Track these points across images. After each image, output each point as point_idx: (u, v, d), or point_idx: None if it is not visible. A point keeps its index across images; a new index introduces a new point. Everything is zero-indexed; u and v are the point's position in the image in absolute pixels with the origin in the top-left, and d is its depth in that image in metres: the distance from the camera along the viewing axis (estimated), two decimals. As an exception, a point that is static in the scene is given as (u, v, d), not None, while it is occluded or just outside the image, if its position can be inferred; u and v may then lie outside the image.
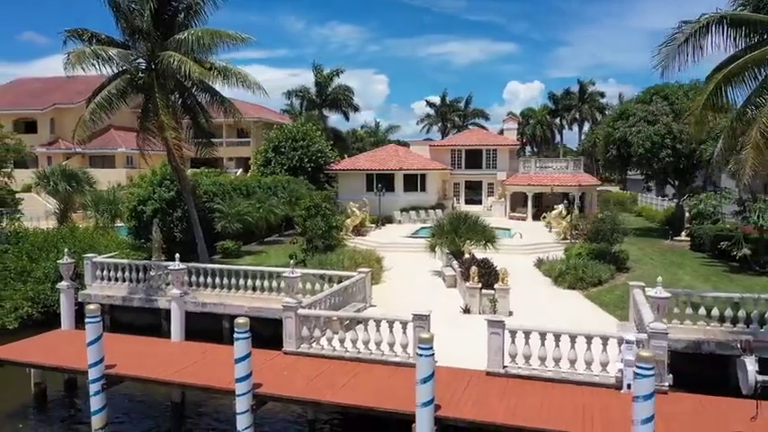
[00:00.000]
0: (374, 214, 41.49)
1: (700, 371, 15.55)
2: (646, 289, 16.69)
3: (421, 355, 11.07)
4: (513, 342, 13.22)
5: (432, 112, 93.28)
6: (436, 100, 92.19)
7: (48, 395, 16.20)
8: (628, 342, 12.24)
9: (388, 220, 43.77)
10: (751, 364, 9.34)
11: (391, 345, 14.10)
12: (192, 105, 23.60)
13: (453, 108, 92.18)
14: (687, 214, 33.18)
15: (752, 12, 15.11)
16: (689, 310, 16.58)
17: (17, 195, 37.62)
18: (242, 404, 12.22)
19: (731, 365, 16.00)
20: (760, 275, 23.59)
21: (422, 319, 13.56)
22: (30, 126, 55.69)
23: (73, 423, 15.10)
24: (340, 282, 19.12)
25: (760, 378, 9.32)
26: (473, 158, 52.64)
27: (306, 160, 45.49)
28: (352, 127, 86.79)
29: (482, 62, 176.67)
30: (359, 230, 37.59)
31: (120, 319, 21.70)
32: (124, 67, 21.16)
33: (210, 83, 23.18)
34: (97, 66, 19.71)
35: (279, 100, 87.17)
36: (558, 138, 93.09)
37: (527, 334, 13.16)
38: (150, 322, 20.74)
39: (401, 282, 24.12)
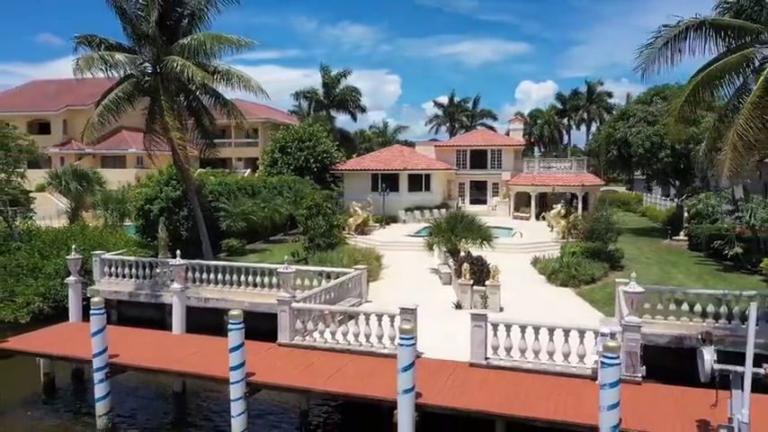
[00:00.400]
0: (379, 214, 42.15)
1: (682, 365, 15.98)
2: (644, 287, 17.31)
3: (402, 345, 11.72)
4: (495, 335, 13.82)
5: (440, 112, 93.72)
6: (444, 100, 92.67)
7: (56, 384, 17.01)
8: (603, 335, 12.79)
9: (393, 219, 44.38)
10: (708, 353, 9.86)
11: (380, 337, 14.75)
12: (197, 107, 24.41)
13: (461, 108, 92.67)
14: (686, 214, 33.50)
15: (733, 17, 15.60)
16: (672, 306, 17.06)
17: (31, 195, 38.78)
18: (236, 391, 12.94)
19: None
20: (752, 274, 23.95)
21: (408, 313, 14.16)
22: (43, 127, 57.02)
23: (79, 411, 15.87)
24: (337, 278, 19.83)
25: (717, 367, 9.84)
26: (478, 159, 53.16)
27: (312, 160, 46.27)
28: (361, 127, 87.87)
29: (494, 62, 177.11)
30: (363, 229, 38.28)
31: (126, 314, 22.48)
32: (131, 72, 21.99)
33: (214, 86, 23.98)
34: (105, 70, 20.53)
35: (289, 101, 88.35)
36: (566, 138, 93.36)
37: (508, 327, 13.76)
38: (155, 317, 21.47)
39: (399, 279, 24.78)
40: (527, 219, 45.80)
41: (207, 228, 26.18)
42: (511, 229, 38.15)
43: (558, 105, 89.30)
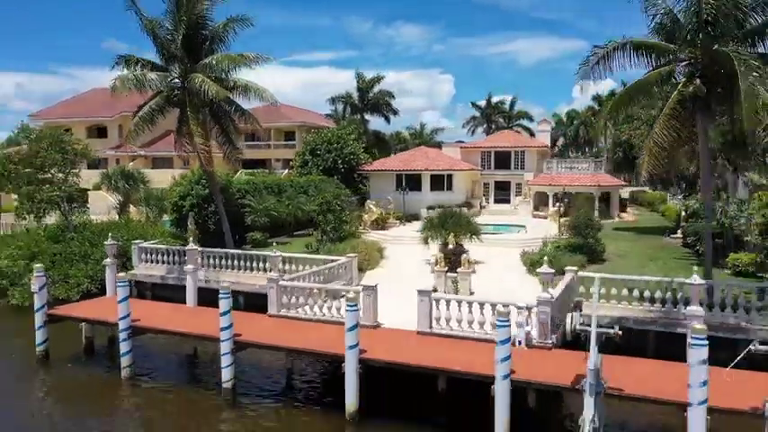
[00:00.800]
0: (400, 211, 45.12)
1: (624, 342, 18.32)
2: (579, 273, 19.93)
3: (348, 311, 14.73)
4: (437, 308, 16.64)
5: (477, 113, 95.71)
6: (482, 102, 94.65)
7: (94, 346, 20.81)
8: (519, 308, 15.44)
9: (416, 217, 47.14)
10: (570, 318, 12.45)
11: (347, 309, 17.75)
12: (220, 116, 27.99)
13: (498, 110, 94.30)
14: (683, 213, 35.03)
15: (662, 40, 17.87)
16: (625, 292, 19.24)
17: (88, 192, 43.63)
18: (225, 347, 16.28)
19: (648, 337, 18.85)
20: (722, 268, 25.66)
21: (370, 290, 17.18)
22: (101, 131, 62.67)
23: (110, 365, 19.58)
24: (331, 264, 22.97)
25: (578, 328, 12.40)
26: (502, 160, 55.49)
27: (339, 162, 49.58)
28: (397, 129, 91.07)
29: (550, 60, 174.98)
30: (383, 225, 41.30)
31: (159, 294, 26.16)
32: (162, 88, 25.78)
33: (235, 98, 27.57)
34: (138, 88, 24.35)
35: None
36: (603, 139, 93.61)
37: (448, 302, 16.56)
38: (183, 297, 25.10)
39: (395, 267, 27.77)
40: (545, 217, 47.77)
41: (233, 222, 29.86)
42: (523, 226, 40.60)
43: (596, 106, 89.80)
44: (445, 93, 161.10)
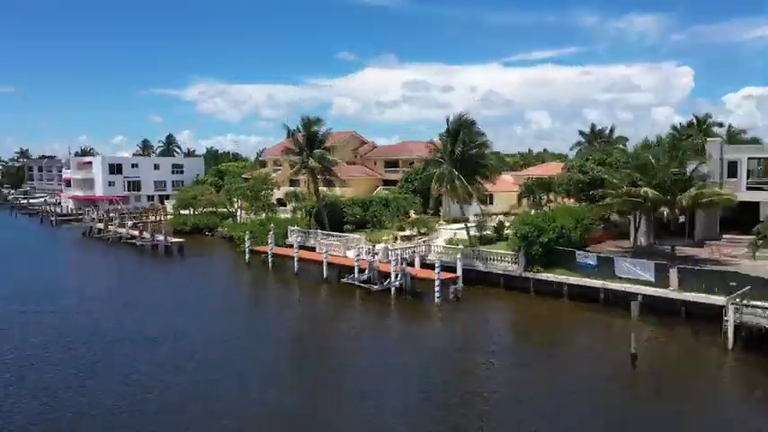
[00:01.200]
0: (450, 216, 75.66)
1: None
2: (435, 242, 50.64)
3: (326, 249, 48.12)
4: (358, 251, 48.95)
5: (582, 139, 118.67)
6: (586, 130, 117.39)
7: (267, 263, 56.58)
8: (375, 253, 47.12)
9: (466, 220, 77.27)
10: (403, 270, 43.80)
11: (337, 253, 50.96)
12: (325, 173, 62.73)
13: (600, 136, 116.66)
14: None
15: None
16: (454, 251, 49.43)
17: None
18: (296, 259, 50.67)
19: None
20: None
21: (341, 243, 50.28)
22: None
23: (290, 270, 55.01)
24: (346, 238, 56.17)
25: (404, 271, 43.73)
26: (542, 185, 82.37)
27: (420, 185, 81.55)
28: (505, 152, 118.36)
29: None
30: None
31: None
32: (297, 163, 61.64)
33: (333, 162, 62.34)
34: (289, 164, 60.29)
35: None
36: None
37: (361, 248, 48.84)
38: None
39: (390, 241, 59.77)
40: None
41: (338, 220, 64.47)
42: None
43: (675, 134, 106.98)
44: (681, 87, 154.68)
